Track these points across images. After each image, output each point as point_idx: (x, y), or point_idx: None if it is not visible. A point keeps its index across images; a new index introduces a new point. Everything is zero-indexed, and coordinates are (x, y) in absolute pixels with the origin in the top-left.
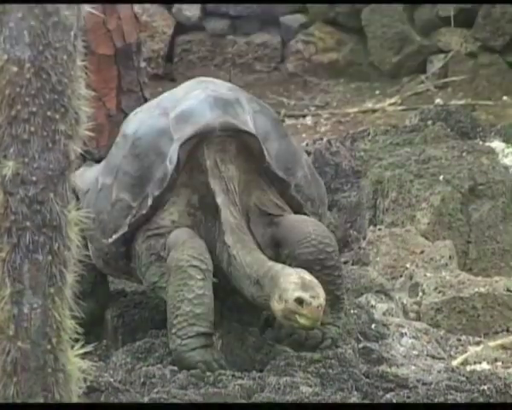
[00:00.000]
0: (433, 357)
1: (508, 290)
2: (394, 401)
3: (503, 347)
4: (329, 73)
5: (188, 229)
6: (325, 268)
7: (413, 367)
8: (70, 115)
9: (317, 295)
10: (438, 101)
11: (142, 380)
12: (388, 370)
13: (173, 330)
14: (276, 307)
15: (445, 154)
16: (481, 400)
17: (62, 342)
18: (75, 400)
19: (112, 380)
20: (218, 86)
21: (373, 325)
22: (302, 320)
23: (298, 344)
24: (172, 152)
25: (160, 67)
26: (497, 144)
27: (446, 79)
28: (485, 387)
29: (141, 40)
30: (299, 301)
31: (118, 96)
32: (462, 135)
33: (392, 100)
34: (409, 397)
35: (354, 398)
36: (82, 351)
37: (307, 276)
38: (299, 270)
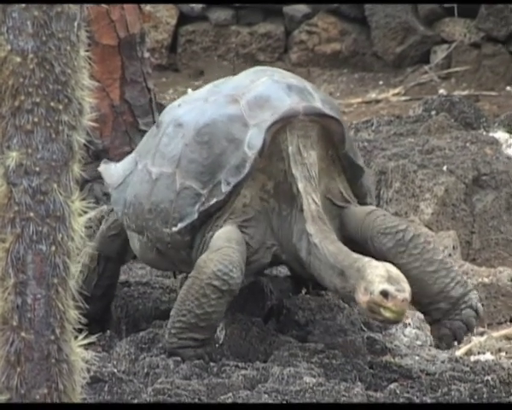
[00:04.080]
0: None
1: (511, 281)
2: (398, 391)
3: (507, 337)
4: (333, 63)
5: (233, 231)
6: None
7: (417, 358)
8: (73, 106)
9: (403, 289)
10: (441, 91)
11: (145, 370)
12: (392, 360)
13: (173, 331)
14: (361, 299)
15: (448, 144)
16: (485, 390)
17: (66, 333)
18: (79, 390)
19: (115, 370)
20: (283, 75)
21: None
22: (387, 313)
23: None
24: (252, 137)
25: (163, 58)
26: (500, 135)
27: (450, 70)
28: (489, 377)
29: (144, 30)
30: (385, 293)
31: (121, 86)
32: (466, 125)
33: (396, 90)
34: (412, 388)
35: (358, 388)
36: (85, 341)
37: (394, 270)
38: (386, 263)
